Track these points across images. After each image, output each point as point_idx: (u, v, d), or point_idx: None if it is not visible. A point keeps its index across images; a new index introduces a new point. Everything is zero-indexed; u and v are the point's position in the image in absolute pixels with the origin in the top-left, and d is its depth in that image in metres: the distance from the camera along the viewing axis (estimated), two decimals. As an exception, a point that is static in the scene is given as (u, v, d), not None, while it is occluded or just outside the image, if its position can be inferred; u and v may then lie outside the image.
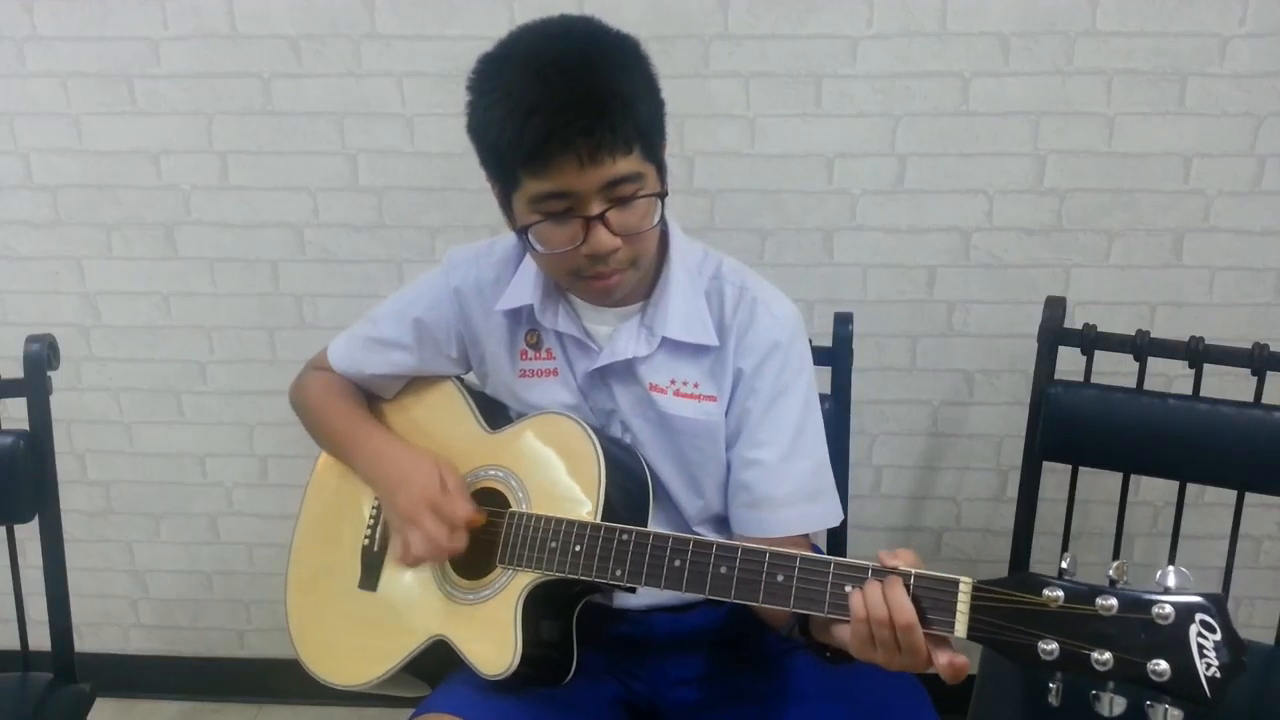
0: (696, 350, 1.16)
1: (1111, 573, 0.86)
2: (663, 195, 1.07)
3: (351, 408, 1.28)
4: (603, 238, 1.04)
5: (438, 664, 1.17)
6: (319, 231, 1.81)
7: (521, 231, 1.07)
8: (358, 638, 1.21)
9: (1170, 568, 0.85)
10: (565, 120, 0.98)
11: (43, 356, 1.43)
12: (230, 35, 1.70)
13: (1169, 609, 0.82)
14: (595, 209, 1.02)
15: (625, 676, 1.24)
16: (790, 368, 1.16)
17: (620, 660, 1.24)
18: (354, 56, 1.71)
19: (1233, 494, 1.46)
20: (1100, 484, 1.61)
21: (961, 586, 0.90)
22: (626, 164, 1.02)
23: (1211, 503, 1.75)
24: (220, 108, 1.75)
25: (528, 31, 1.05)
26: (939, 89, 1.66)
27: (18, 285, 1.88)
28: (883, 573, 0.94)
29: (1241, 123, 1.64)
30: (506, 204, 1.10)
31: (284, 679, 2.06)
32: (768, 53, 1.66)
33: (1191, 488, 1.49)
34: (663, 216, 1.10)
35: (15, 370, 1.44)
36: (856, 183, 1.72)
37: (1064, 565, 0.89)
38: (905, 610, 0.90)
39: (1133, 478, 1.52)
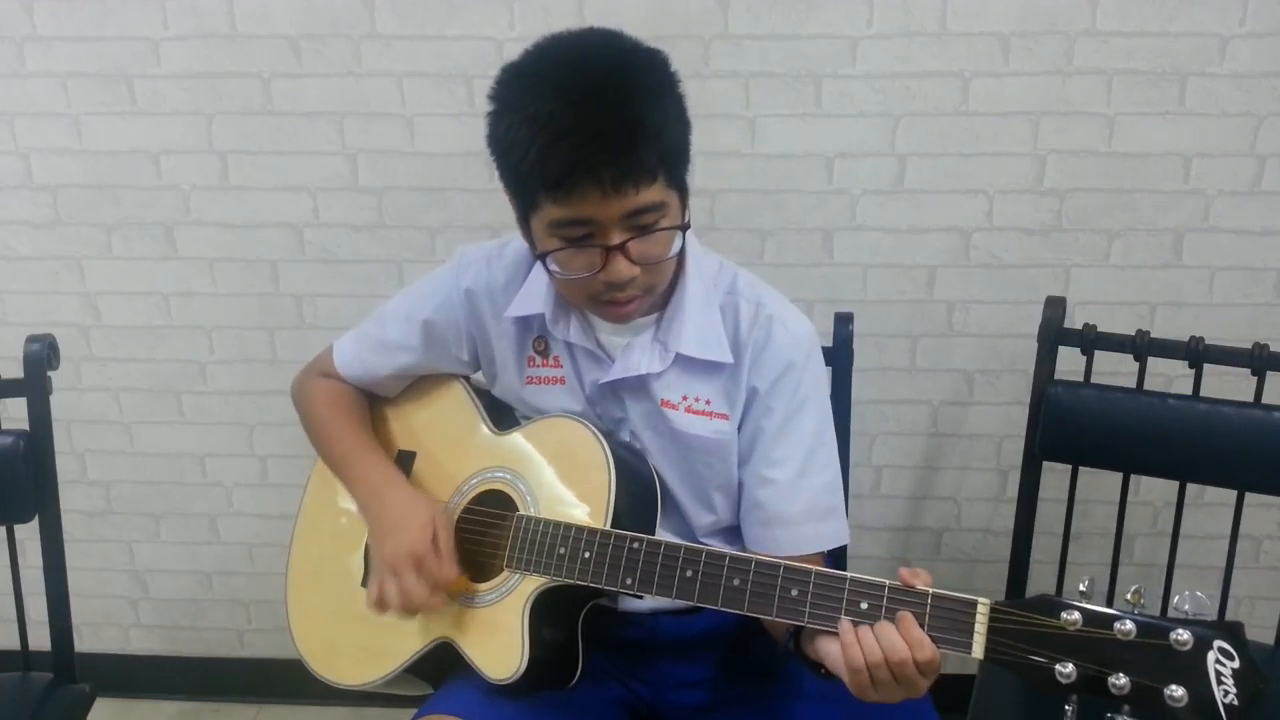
0: (710, 367, 1.15)
1: (1129, 597, 0.86)
2: (684, 228, 1.06)
3: (356, 427, 1.26)
4: (621, 267, 1.02)
5: (441, 665, 1.17)
6: (319, 231, 1.81)
7: (540, 257, 1.05)
8: (360, 637, 1.21)
9: (1187, 592, 0.85)
10: (591, 150, 0.96)
11: (43, 356, 1.43)
12: (230, 35, 1.70)
13: (1186, 635, 0.82)
14: (616, 238, 1.01)
15: (628, 679, 1.24)
16: (805, 386, 1.15)
17: (623, 662, 1.24)
18: (354, 56, 1.70)
19: (1233, 494, 1.46)
20: (1100, 484, 1.61)
21: (979, 608, 0.90)
22: (650, 194, 1.00)
23: (1211, 503, 1.75)
24: (220, 108, 1.75)
25: (557, 46, 1.02)
26: (939, 89, 1.66)
27: (18, 285, 1.88)
28: (900, 590, 0.93)
29: (1241, 123, 1.64)
30: (524, 221, 1.08)
31: (284, 679, 2.06)
32: (768, 53, 1.65)
33: (1191, 488, 1.49)
34: (683, 246, 1.08)
35: (15, 370, 1.44)
36: (856, 183, 1.72)
37: (1082, 588, 0.89)
38: (898, 649, 0.90)
39: (1133, 478, 1.52)
